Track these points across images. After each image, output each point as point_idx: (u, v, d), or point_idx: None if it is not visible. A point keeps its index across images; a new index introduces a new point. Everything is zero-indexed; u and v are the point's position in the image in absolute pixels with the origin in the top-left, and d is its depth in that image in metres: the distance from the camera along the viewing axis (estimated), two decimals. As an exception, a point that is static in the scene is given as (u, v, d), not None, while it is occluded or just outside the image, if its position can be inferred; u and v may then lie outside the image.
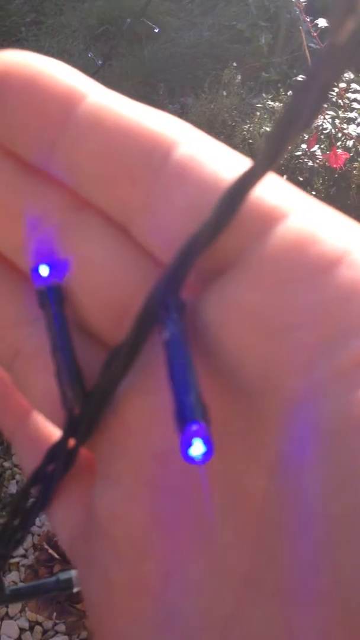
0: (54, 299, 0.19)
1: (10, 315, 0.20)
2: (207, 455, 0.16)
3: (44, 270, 0.19)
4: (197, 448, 0.16)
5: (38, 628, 1.35)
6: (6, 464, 1.60)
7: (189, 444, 0.16)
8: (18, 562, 1.44)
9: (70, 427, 0.19)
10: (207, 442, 0.16)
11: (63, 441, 0.19)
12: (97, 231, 0.19)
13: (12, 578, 1.40)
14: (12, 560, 1.44)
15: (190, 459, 0.16)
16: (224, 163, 0.18)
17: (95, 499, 0.19)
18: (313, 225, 0.17)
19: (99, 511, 0.19)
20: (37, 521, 1.52)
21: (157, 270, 0.18)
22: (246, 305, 0.17)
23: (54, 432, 0.22)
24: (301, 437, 0.16)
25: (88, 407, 0.19)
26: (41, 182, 0.20)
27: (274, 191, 0.17)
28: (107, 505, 0.18)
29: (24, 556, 1.43)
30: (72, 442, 0.19)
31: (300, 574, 0.15)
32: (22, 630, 1.35)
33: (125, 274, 0.19)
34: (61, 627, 1.33)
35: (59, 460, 0.20)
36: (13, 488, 1.57)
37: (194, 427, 0.16)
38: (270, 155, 0.16)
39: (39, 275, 0.19)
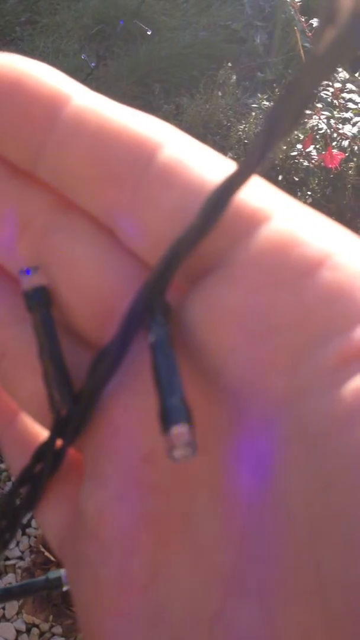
0: (41, 302, 0.19)
1: None
2: (191, 456, 0.16)
3: (30, 273, 0.19)
4: (182, 450, 0.16)
5: (35, 630, 1.35)
6: (2, 466, 1.60)
7: (174, 446, 0.16)
8: (14, 565, 1.44)
9: (58, 428, 0.19)
10: (191, 443, 0.16)
11: (50, 442, 0.20)
12: (83, 233, 0.19)
13: (9, 580, 1.40)
14: (9, 563, 1.44)
15: (175, 460, 0.16)
16: (208, 165, 0.18)
17: (83, 499, 0.19)
18: (295, 228, 0.17)
19: (86, 511, 0.19)
20: (34, 523, 1.52)
21: (142, 272, 0.19)
22: (230, 307, 0.17)
23: (42, 433, 0.22)
24: (284, 437, 0.16)
25: (76, 408, 0.19)
26: (27, 184, 0.20)
27: (257, 193, 0.17)
28: (95, 505, 0.19)
29: (20, 558, 1.43)
30: (59, 442, 0.20)
31: (283, 573, 0.16)
32: (19, 632, 1.35)
33: (112, 275, 0.19)
34: (58, 630, 1.33)
35: (46, 460, 0.20)
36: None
37: (178, 429, 0.16)
38: (253, 160, 0.16)
39: (26, 278, 0.19)
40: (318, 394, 0.16)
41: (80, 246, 0.19)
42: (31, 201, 0.20)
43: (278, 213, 0.17)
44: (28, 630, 1.36)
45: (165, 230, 0.18)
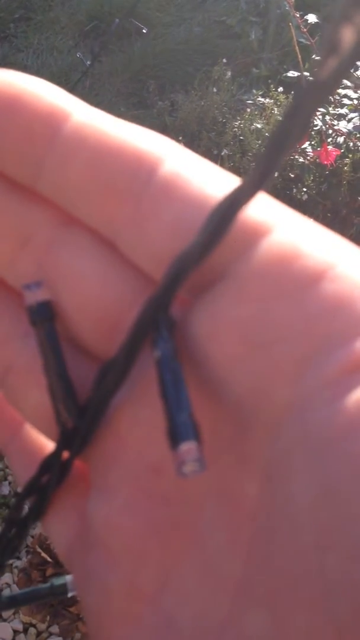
0: (45, 316, 0.19)
1: (1, 331, 0.21)
2: (199, 472, 0.17)
3: (34, 288, 0.19)
4: (190, 465, 0.17)
5: (32, 630, 1.35)
6: (-2, 465, 1.60)
7: (183, 462, 0.17)
8: (11, 564, 1.44)
9: (64, 440, 0.19)
10: (200, 459, 0.17)
11: (57, 453, 0.20)
12: (85, 247, 0.19)
13: (5, 580, 1.40)
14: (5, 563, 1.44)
15: (184, 475, 0.17)
16: (209, 179, 0.18)
17: (91, 509, 0.19)
18: (297, 240, 0.17)
19: (94, 521, 0.19)
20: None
21: (145, 285, 0.19)
22: (233, 319, 0.17)
23: (47, 444, 0.22)
24: (290, 447, 0.16)
25: (82, 420, 0.19)
26: (28, 200, 0.20)
27: (258, 206, 0.18)
28: (103, 516, 0.19)
29: (17, 558, 1.43)
30: (65, 454, 0.20)
31: (290, 579, 0.16)
32: (16, 632, 1.35)
33: (114, 288, 0.19)
34: (55, 629, 1.33)
35: (53, 471, 0.20)
36: (5, 489, 1.56)
37: (187, 446, 0.17)
38: (259, 176, 0.16)
39: (30, 293, 0.19)
40: (321, 404, 0.16)
41: (83, 260, 0.19)
42: (33, 216, 0.20)
43: (279, 225, 0.17)
44: (25, 630, 1.36)
45: (167, 244, 0.18)
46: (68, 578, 0.63)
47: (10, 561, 1.45)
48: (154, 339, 0.18)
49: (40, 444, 0.22)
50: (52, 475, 0.20)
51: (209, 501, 0.18)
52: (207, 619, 0.17)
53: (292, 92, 1.88)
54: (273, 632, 0.16)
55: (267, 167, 0.16)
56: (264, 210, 0.18)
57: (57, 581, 0.62)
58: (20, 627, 1.37)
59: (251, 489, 0.17)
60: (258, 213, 0.18)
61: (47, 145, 0.18)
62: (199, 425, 0.17)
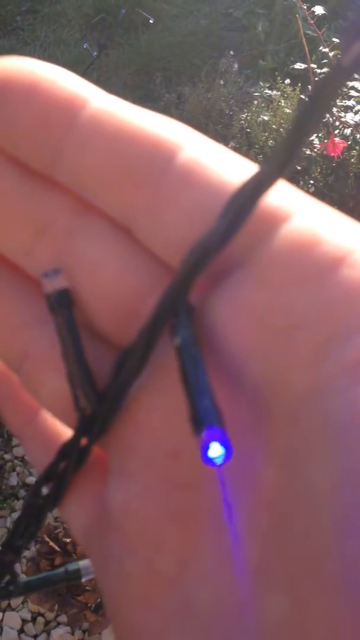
0: (63, 304, 0.19)
1: (18, 318, 0.21)
2: (226, 457, 0.17)
3: (52, 276, 0.19)
4: (216, 451, 0.17)
5: (40, 619, 1.36)
6: (7, 456, 1.61)
7: (207, 448, 0.17)
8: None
9: (83, 427, 0.20)
10: (226, 445, 0.17)
11: (75, 440, 0.20)
12: (102, 235, 0.19)
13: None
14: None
15: (209, 462, 0.17)
16: (227, 166, 0.18)
17: (109, 495, 0.19)
18: (316, 226, 0.17)
19: (112, 506, 0.19)
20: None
21: (162, 272, 0.19)
22: (253, 305, 0.17)
23: (63, 430, 0.22)
24: (309, 432, 0.16)
25: (100, 407, 0.19)
26: (46, 187, 0.20)
27: (276, 192, 0.18)
28: (121, 501, 0.19)
29: (26, 547, 1.43)
30: (84, 440, 0.20)
31: (309, 563, 0.16)
32: (24, 621, 1.36)
33: (131, 276, 0.19)
34: (63, 618, 1.34)
35: (71, 458, 0.20)
36: (14, 480, 1.57)
37: (212, 432, 0.17)
38: (281, 162, 0.16)
39: (48, 281, 0.19)
40: (340, 390, 0.16)
41: (100, 248, 0.19)
42: (50, 204, 0.20)
43: (298, 211, 0.17)
44: (33, 619, 1.37)
45: (184, 231, 0.18)
46: (82, 563, 0.64)
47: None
48: (174, 326, 0.18)
49: (57, 430, 0.22)
50: (70, 462, 0.20)
51: (227, 486, 0.18)
52: (225, 602, 0.17)
53: (299, 84, 1.87)
54: (292, 615, 0.16)
55: (288, 153, 0.16)
56: (283, 197, 0.18)
57: (71, 566, 0.63)
58: (28, 616, 1.37)
59: (270, 474, 0.17)
60: (276, 199, 0.18)
61: (64, 132, 0.18)
62: (221, 411, 0.17)
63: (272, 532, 0.17)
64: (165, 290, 0.18)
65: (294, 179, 1.60)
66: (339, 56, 0.15)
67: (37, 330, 0.20)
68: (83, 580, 0.62)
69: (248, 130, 1.92)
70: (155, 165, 0.18)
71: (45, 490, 0.21)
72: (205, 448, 0.17)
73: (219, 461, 0.17)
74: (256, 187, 0.17)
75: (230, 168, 0.18)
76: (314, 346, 0.16)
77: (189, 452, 0.18)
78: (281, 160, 0.16)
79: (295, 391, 0.17)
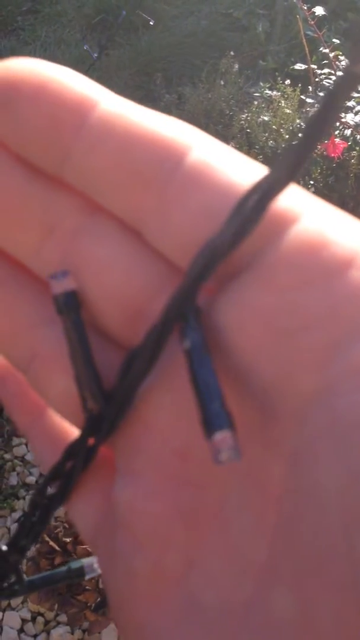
0: (71, 305, 0.19)
1: (27, 318, 0.21)
2: (235, 459, 0.17)
3: (60, 278, 0.19)
4: (226, 453, 0.17)
5: (40, 619, 1.36)
6: (7, 456, 1.61)
7: (218, 450, 0.17)
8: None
9: (90, 427, 0.20)
10: (235, 447, 0.17)
11: (83, 439, 0.20)
12: (110, 236, 0.19)
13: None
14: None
15: (220, 463, 0.17)
16: (236, 168, 0.18)
17: (116, 494, 0.20)
18: (324, 228, 0.17)
19: (119, 506, 0.19)
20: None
21: (169, 273, 0.19)
22: (260, 308, 0.17)
23: (69, 429, 0.22)
24: (317, 432, 0.16)
25: (110, 407, 0.19)
26: (54, 188, 0.20)
27: (284, 194, 0.18)
28: (128, 500, 0.19)
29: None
30: (91, 440, 0.20)
31: (317, 562, 0.16)
32: (24, 621, 1.36)
33: (139, 277, 0.19)
34: (63, 618, 1.34)
35: (78, 457, 0.20)
36: (13, 480, 1.57)
37: (222, 435, 0.17)
38: (291, 167, 0.17)
39: (56, 283, 0.19)
40: (349, 390, 0.16)
41: (108, 249, 0.19)
42: (58, 205, 0.20)
43: (306, 213, 0.18)
44: (33, 619, 1.37)
45: (192, 233, 0.18)
46: (84, 561, 0.64)
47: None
48: (183, 329, 0.18)
49: (64, 429, 0.22)
50: (77, 461, 0.20)
51: (234, 485, 0.18)
52: (232, 600, 0.18)
53: (300, 85, 1.87)
54: (299, 613, 0.16)
55: (299, 157, 0.17)
56: (290, 198, 0.18)
57: (74, 564, 0.63)
58: (28, 616, 1.37)
59: (277, 474, 0.17)
60: (284, 201, 0.18)
61: (73, 133, 0.18)
62: (231, 414, 0.17)
63: (281, 530, 0.17)
64: (174, 292, 0.18)
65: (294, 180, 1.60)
66: (348, 62, 0.15)
67: (45, 331, 0.20)
68: (86, 578, 0.62)
69: (248, 130, 1.92)
70: (163, 166, 0.18)
71: (51, 490, 0.21)
72: (217, 450, 0.17)
73: (230, 462, 0.17)
74: (267, 191, 0.17)
75: (239, 170, 0.18)
76: (322, 347, 0.17)
77: (197, 452, 0.18)
78: (292, 164, 0.17)
79: (303, 392, 0.17)
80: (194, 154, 0.18)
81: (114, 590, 0.20)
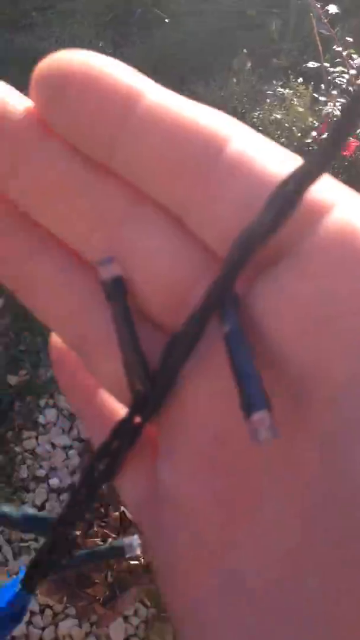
0: (118, 291, 0.20)
1: (76, 303, 0.21)
2: (273, 438, 0.17)
3: (107, 264, 0.20)
4: (264, 433, 0.17)
5: (48, 611, 1.37)
6: (17, 449, 1.62)
7: (257, 430, 0.17)
8: (29, 546, 1.46)
9: (136, 408, 0.20)
10: (272, 427, 0.17)
11: (129, 419, 0.21)
12: (155, 224, 0.20)
13: (25, 561, 1.42)
14: (23, 545, 1.46)
15: (259, 443, 0.17)
16: (273, 158, 0.19)
17: (158, 474, 0.20)
18: (358, 217, 0.18)
19: (162, 483, 0.20)
20: (47, 505, 1.54)
21: (211, 261, 0.20)
22: (296, 295, 0.18)
23: (119, 410, 0.23)
24: (352, 418, 0.17)
25: (153, 389, 0.20)
26: (103, 177, 0.20)
27: (319, 184, 0.18)
28: (169, 483, 0.20)
29: (35, 540, 1.44)
30: (137, 419, 0.21)
31: (351, 543, 0.16)
32: (32, 613, 1.37)
33: (183, 264, 0.20)
34: (71, 611, 1.35)
35: (125, 436, 0.21)
36: (24, 473, 1.58)
37: (260, 415, 0.17)
38: (325, 157, 0.17)
39: (103, 269, 0.20)
40: None
41: (154, 237, 0.20)
42: (108, 193, 0.20)
43: (340, 203, 0.18)
44: (42, 611, 1.38)
45: (233, 221, 0.18)
46: (126, 541, 0.65)
47: (28, 543, 1.46)
48: (222, 314, 0.18)
49: (113, 409, 0.23)
50: (124, 440, 0.21)
51: (269, 471, 0.19)
52: (268, 578, 0.18)
53: (312, 83, 1.87)
54: (323, 600, 0.17)
55: (333, 147, 0.17)
56: (325, 188, 0.18)
57: (116, 543, 0.64)
58: (36, 608, 1.38)
59: (311, 458, 0.18)
60: (319, 191, 0.18)
61: (121, 123, 0.19)
62: (268, 395, 0.18)
63: (315, 511, 0.17)
64: (215, 279, 0.18)
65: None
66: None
67: (94, 315, 0.21)
68: (126, 556, 0.64)
69: (260, 128, 1.92)
70: (206, 157, 0.19)
71: (100, 466, 0.22)
72: (255, 430, 0.17)
73: (268, 442, 0.17)
74: (302, 180, 0.17)
75: (276, 159, 0.18)
76: (356, 335, 0.17)
77: (235, 438, 0.18)
78: (326, 154, 0.17)
79: (338, 378, 0.17)
80: (234, 144, 0.19)
81: (159, 562, 0.20)
